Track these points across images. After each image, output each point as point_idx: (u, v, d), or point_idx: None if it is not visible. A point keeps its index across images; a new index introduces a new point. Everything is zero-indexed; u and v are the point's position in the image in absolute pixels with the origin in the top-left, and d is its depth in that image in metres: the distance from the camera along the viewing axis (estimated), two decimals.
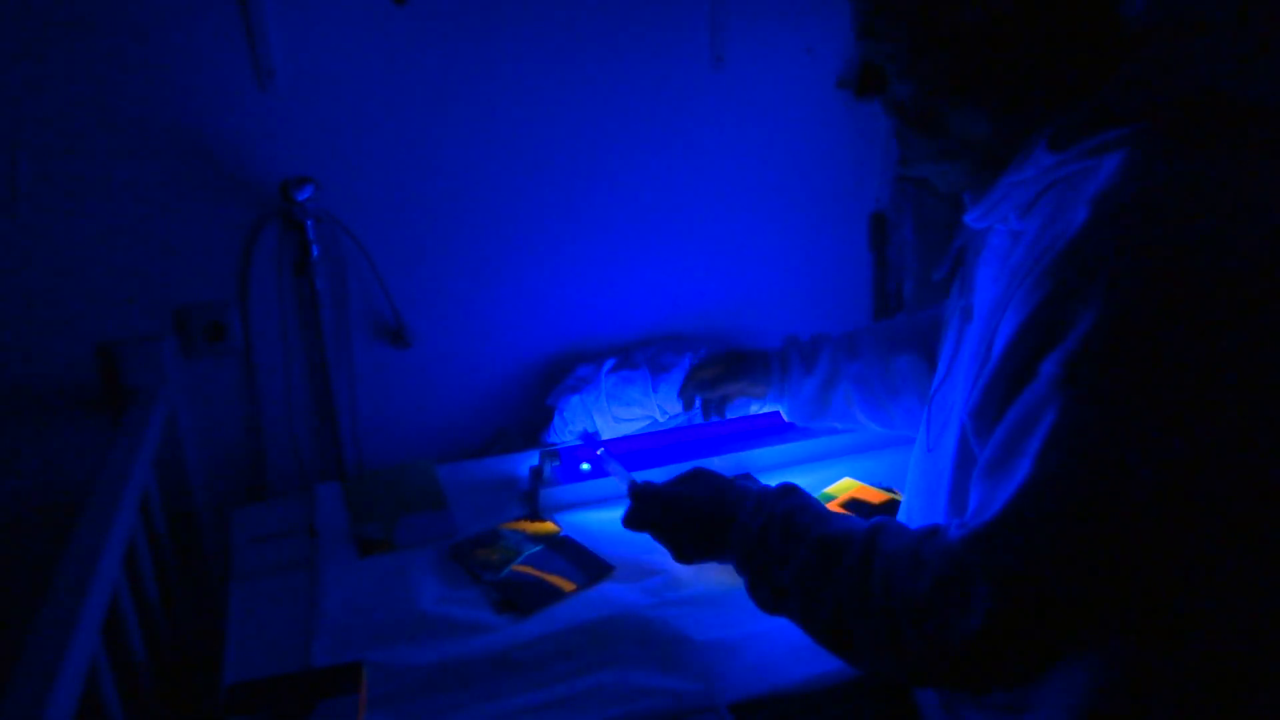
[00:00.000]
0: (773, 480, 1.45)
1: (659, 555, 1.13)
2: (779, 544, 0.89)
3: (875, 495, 1.37)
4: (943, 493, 0.89)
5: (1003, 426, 0.74)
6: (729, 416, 1.40)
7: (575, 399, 1.58)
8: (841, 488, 1.40)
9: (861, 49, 0.85)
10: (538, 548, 1.28)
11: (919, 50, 0.78)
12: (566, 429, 1.59)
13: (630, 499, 1.09)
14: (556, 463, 1.41)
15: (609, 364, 1.62)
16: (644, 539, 1.30)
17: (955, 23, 0.76)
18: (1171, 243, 0.66)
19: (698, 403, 1.39)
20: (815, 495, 1.37)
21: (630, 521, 1.08)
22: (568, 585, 1.19)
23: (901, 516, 1.04)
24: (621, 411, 1.57)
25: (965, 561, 0.73)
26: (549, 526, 1.34)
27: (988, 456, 0.75)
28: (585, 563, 1.24)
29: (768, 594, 0.90)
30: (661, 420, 1.60)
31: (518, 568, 1.23)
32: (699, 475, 1.05)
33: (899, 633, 0.76)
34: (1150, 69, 0.73)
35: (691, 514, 1.01)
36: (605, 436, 1.56)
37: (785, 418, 1.40)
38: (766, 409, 1.47)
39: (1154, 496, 0.67)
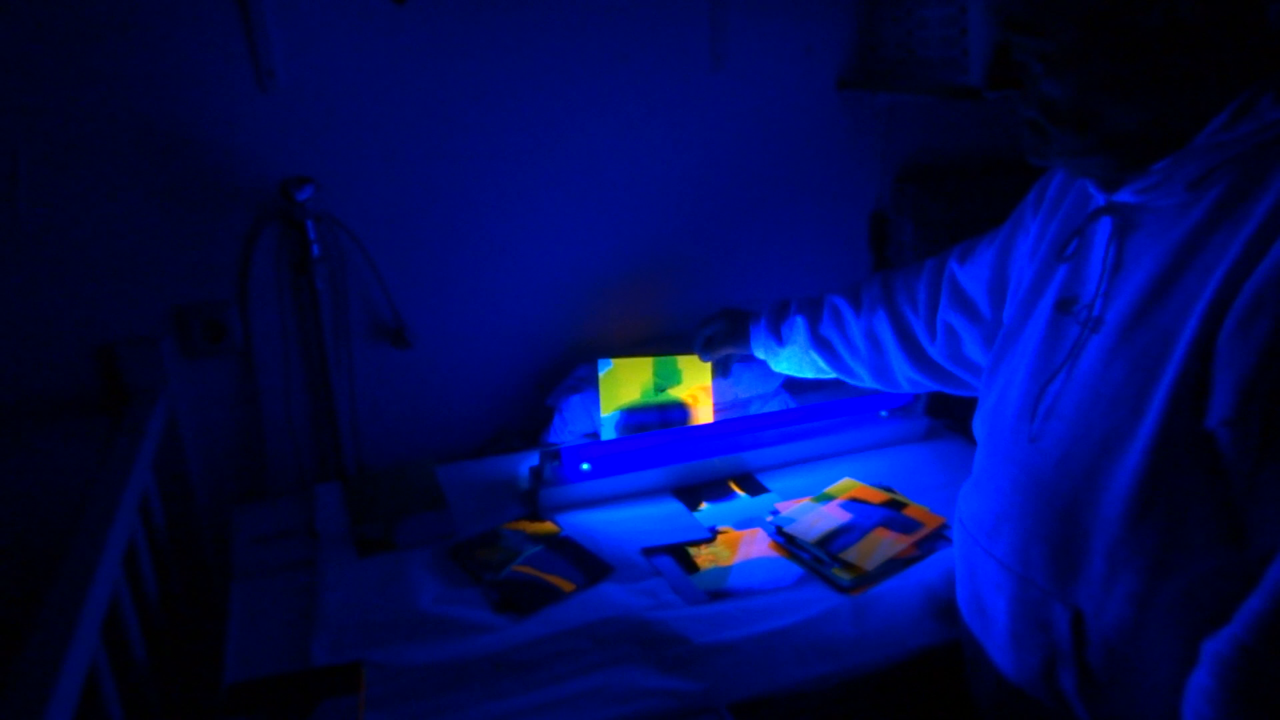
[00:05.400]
0: (776, 484, 1.46)
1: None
2: None
3: (875, 495, 1.37)
4: (1066, 491, 0.86)
5: None
6: (730, 376, 1.56)
7: (575, 399, 1.58)
8: (841, 488, 1.40)
9: (1008, 43, 0.84)
10: (538, 548, 1.28)
11: (1089, 50, 0.78)
12: (566, 429, 1.59)
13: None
14: (556, 463, 1.41)
15: (609, 364, 1.61)
16: (642, 539, 1.31)
17: (1133, 25, 0.76)
18: None
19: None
20: (815, 495, 1.39)
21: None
22: (568, 585, 1.19)
23: (978, 510, 1.00)
24: None
25: None
26: (549, 526, 1.34)
27: None
28: (585, 563, 1.24)
29: None
30: None
31: (518, 568, 1.23)
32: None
33: None
34: None
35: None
36: (605, 436, 1.56)
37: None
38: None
39: None
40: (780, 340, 1.41)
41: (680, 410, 1.54)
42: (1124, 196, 0.85)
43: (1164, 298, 0.80)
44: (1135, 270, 0.84)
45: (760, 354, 1.46)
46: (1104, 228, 0.89)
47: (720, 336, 1.48)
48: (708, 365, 1.53)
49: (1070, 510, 0.86)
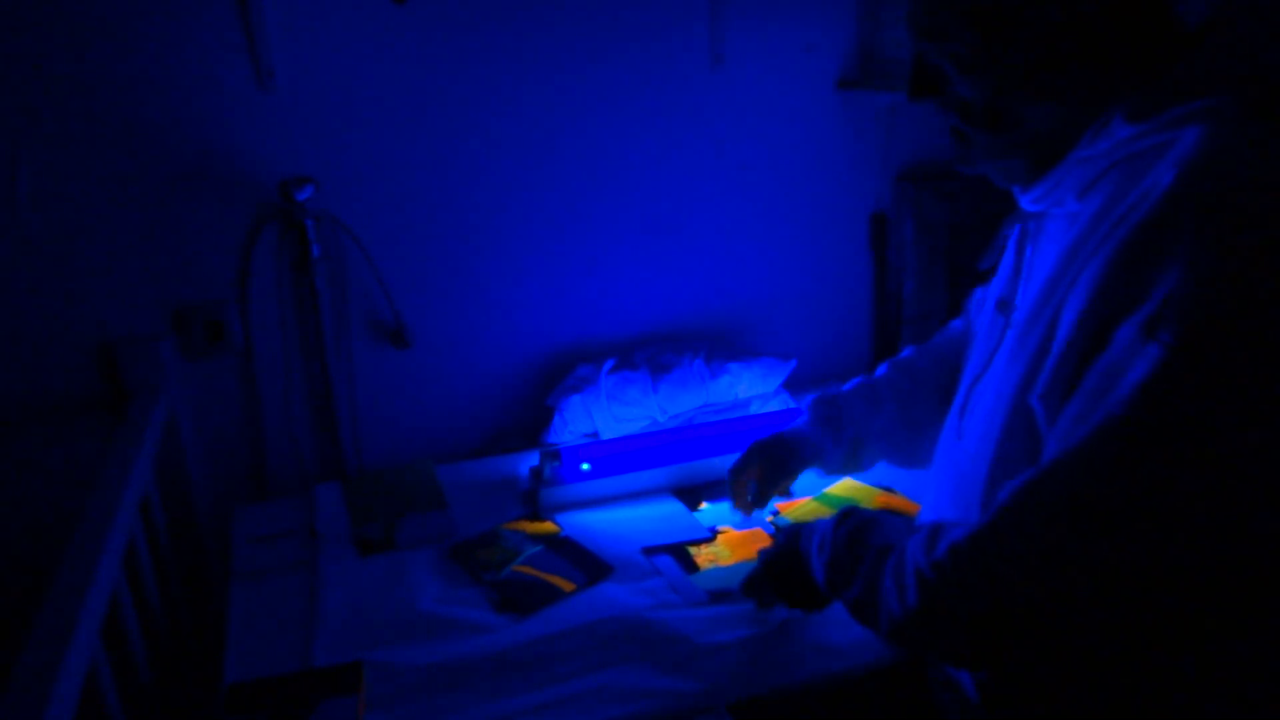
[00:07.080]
0: None
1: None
2: (847, 565, 0.91)
3: (875, 496, 1.37)
4: (978, 483, 0.88)
5: (1076, 400, 0.73)
6: (794, 494, 1.34)
7: (575, 399, 1.58)
8: (841, 488, 1.40)
9: (920, 51, 0.85)
10: (538, 548, 1.28)
11: (996, 49, 0.78)
12: (566, 429, 1.59)
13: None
14: (556, 463, 1.41)
15: (609, 364, 1.62)
16: (642, 539, 1.31)
17: (1035, 20, 0.76)
18: (1261, 205, 0.67)
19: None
20: (815, 495, 1.38)
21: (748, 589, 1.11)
22: (568, 585, 1.20)
23: (928, 507, 1.03)
24: (621, 411, 1.57)
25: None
26: (549, 526, 1.34)
27: (1059, 430, 0.75)
28: (585, 563, 1.24)
29: (862, 615, 0.91)
30: (661, 420, 1.60)
31: (518, 568, 1.23)
32: (776, 546, 1.07)
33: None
34: (1227, 48, 0.75)
35: (780, 577, 1.05)
36: (605, 436, 1.56)
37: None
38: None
39: (1226, 465, 0.66)
40: (836, 441, 1.23)
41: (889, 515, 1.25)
42: (1024, 204, 0.87)
43: (1049, 304, 0.81)
44: (1034, 276, 0.87)
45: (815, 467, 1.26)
46: (1020, 236, 0.92)
47: (761, 477, 1.26)
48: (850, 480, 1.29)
49: (976, 504, 0.88)
